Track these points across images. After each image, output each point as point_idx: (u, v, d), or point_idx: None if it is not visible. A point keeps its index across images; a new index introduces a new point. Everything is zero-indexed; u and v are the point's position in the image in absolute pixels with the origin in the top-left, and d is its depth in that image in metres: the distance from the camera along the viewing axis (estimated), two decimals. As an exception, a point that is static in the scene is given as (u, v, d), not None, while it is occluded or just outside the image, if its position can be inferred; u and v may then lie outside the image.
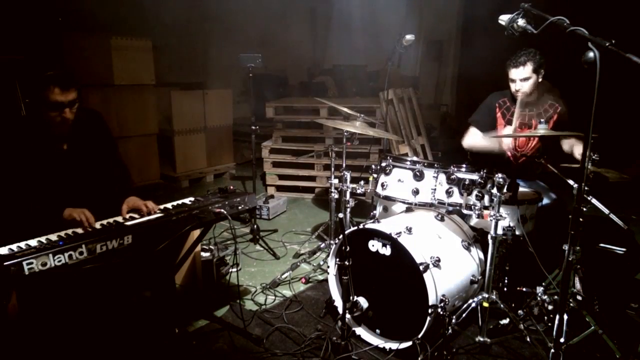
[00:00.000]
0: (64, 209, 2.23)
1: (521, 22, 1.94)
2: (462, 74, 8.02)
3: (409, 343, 2.35)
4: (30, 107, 2.35)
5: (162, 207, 2.45)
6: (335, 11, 8.43)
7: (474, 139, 3.32)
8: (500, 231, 2.42)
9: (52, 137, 2.43)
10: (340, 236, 2.42)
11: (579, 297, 2.43)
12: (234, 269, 3.24)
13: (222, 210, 2.46)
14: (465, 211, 2.53)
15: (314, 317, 2.82)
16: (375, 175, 2.80)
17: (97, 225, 2.19)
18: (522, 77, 2.99)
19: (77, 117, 2.43)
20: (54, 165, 2.42)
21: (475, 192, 2.46)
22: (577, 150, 2.97)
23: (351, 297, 2.40)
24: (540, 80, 3.05)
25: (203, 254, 3.14)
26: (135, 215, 2.33)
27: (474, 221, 2.83)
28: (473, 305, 2.46)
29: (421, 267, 2.27)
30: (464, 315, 2.44)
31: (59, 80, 2.30)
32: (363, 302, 2.48)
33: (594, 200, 2.34)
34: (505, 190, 2.38)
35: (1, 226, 2.22)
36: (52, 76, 2.30)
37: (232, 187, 2.72)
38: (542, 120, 2.62)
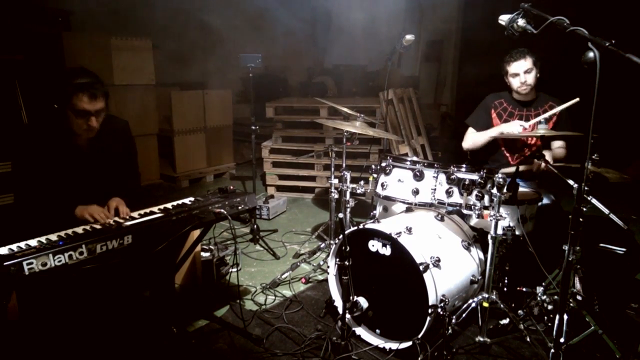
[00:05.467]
0: (76, 207, 2.28)
1: (521, 22, 1.95)
2: (462, 74, 8.02)
3: (409, 343, 2.35)
4: (57, 111, 2.37)
5: (162, 207, 2.45)
6: (335, 11, 8.43)
7: (472, 137, 3.32)
8: (500, 231, 2.42)
9: (75, 140, 2.47)
10: (340, 236, 2.42)
11: (579, 297, 2.43)
12: (234, 269, 3.25)
13: (222, 210, 2.46)
14: (465, 211, 2.53)
15: (314, 317, 2.82)
16: (375, 175, 2.80)
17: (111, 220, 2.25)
18: (526, 69, 3.03)
19: (104, 123, 2.45)
20: (73, 165, 2.47)
21: (475, 192, 2.46)
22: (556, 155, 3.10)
23: (351, 297, 2.40)
24: (538, 75, 3.09)
25: (203, 254, 3.14)
26: (135, 215, 2.33)
27: (474, 221, 2.83)
28: (473, 305, 2.46)
29: (421, 267, 2.27)
30: (464, 315, 2.44)
31: (88, 88, 2.29)
32: (363, 302, 2.48)
33: (594, 200, 2.35)
34: (505, 190, 2.38)
35: (20, 220, 2.34)
36: (81, 84, 2.28)
37: (232, 187, 2.72)
38: (542, 120, 2.62)
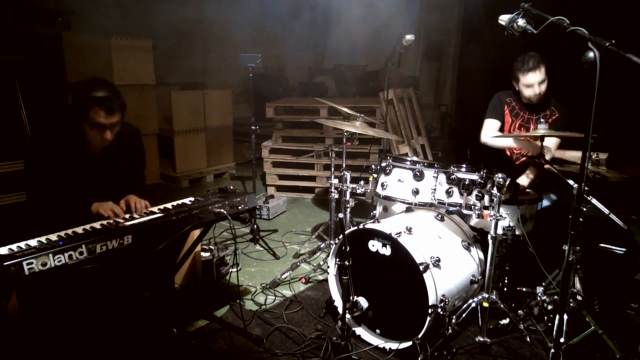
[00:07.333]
0: (92, 204, 2.34)
1: (521, 22, 1.95)
2: (462, 74, 8.01)
3: (409, 343, 2.35)
4: (73, 117, 2.39)
5: (162, 207, 2.45)
6: (335, 11, 8.42)
7: (492, 135, 3.24)
8: (500, 231, 2.42)
9: (87, 146, 2.49)
10: (340, 236, 2.42)
11: (579, 297, 2.43)
12: (234, 269, 3.25)
13: (222, 210, 2.46)
14: (465, 211, 2.53)
15: (314, 317, 2.82)
16: (375, 175, 2.80)
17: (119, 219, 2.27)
18: (540, 80, 2.97)
19: (117, 132, 2.47)
20: (84, 169, 2.50)
21: (475, 192, 2.46)
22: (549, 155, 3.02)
23: (351, 297, 2.40)
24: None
25: (203, 254, 3.14)
26: (135, 215, 2.33)
27: (474, 221, 2.83)
28: (473, 305, 2.46)
29: (421, 267, 2.27)
30: (464, 315, 2.44)
31: (105, 103, 2.30)
32: (363, 302, 2.48)
33: (594, 200, 2.34)
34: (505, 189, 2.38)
35: (33, 218, 2.39)
36: (99, 98, 2.29)
37: (232, 187, 2.72)
38: (542, 120, 2.62)
